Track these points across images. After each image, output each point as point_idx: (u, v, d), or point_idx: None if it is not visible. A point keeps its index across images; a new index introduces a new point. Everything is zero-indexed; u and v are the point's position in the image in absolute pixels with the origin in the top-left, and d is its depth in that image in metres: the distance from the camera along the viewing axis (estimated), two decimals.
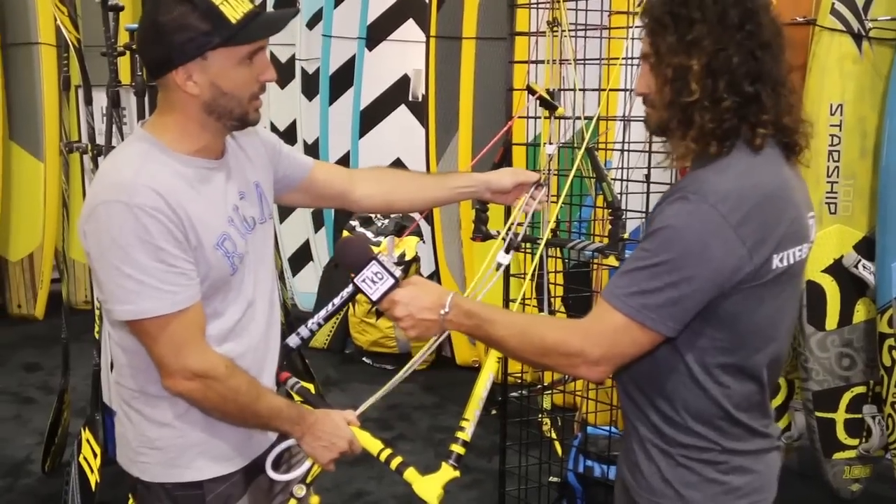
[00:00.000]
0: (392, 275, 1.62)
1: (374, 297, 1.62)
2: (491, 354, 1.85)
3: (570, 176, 2.20)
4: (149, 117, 1.73)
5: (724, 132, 1.47)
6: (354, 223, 5.11)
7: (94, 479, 3.10)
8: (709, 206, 1.41)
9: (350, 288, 1.89)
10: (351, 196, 2.05)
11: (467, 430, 1.74)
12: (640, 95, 1.57)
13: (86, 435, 3.24)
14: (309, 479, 1.77)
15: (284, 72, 5.62)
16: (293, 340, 1.91)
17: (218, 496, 1.72)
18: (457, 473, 1.72)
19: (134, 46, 3.22)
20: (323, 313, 2.02)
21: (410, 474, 1.72)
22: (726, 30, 1.45)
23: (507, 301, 3.07)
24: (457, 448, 1.73)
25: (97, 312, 3.38)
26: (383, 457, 1.76)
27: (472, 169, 2.56)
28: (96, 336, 3.40)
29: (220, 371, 1.62)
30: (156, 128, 1.66)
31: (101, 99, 3.39)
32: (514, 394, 3.31)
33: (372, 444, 1.78)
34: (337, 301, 2.00)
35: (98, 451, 3.16)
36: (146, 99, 3.13)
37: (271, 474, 1.76)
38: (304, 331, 2.02)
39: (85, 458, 3.18)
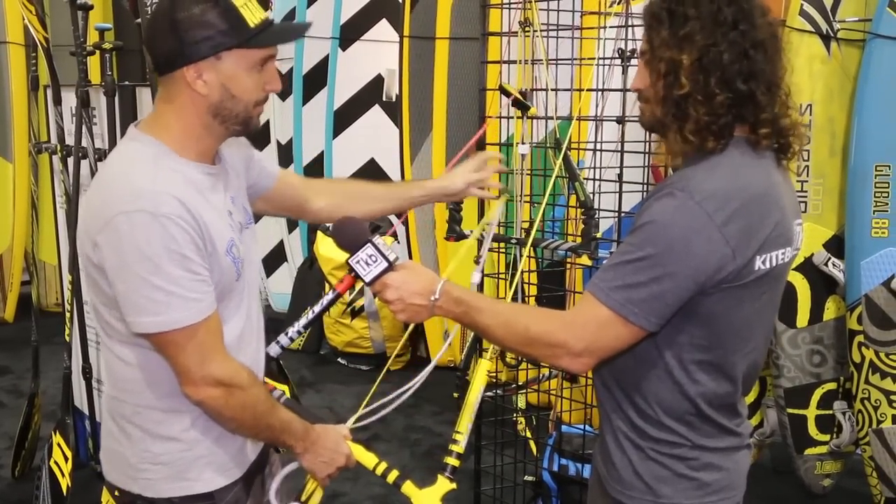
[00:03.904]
0: (386, 258, 1.63)
1: (368, 279, 1.63)
2: (481, 366, 1.85)
3: (552, 178, 2.21)
4: (142, 118, 1.67)
5: (720, 128, 1.48)
6: (329, 223, 5.10)
7: (65, 483, 3.07)
8: (694, 204, 1.42)
9: (330, 295, 1.90)
10: (307, 207, 2.08)
11: (461, 443, 1.75)
12: (636, 91, 1.59)
13: (56, 439, 3.20)
14: (304, 497, 1.77)
15: None
16: (273, 349, 1.90)
17: None
18: (454, 486, 1.73)
19: (104, 45, 3.19)
20: (303, 321, 2.03)
21: (408, 487, 1.73)
22: (719, 27, 1.46)
23: None
24: (451, 460, 1.74)
25: (67, 315, 3.34)
26: (379, 470, 1.75)
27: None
28: (67, 339, 3.36)
29: (242, 379, 1.60)
30: (155, 129, 1.60)
31: (70, 99, 3.35)
32: (488, 393, 3.31)
33: (367, 458, 1.78)
34: (317, 308, 2.01)
35: (69, 455, 3.13)
36: (116, 99, 3.10)
37: None
38: (283, 339, 2.02)
39: (56, 463, 3.14)
